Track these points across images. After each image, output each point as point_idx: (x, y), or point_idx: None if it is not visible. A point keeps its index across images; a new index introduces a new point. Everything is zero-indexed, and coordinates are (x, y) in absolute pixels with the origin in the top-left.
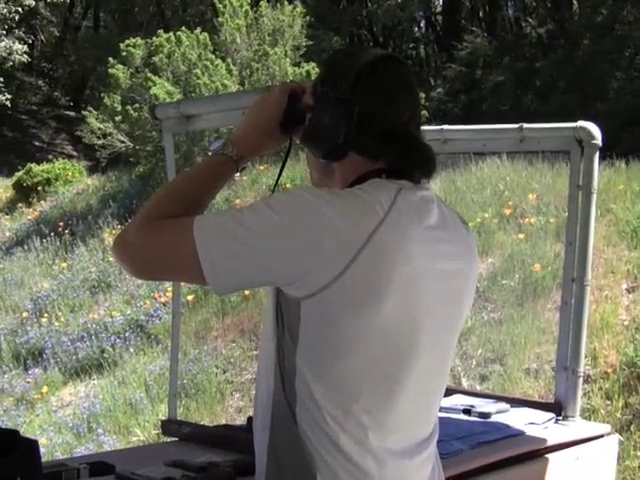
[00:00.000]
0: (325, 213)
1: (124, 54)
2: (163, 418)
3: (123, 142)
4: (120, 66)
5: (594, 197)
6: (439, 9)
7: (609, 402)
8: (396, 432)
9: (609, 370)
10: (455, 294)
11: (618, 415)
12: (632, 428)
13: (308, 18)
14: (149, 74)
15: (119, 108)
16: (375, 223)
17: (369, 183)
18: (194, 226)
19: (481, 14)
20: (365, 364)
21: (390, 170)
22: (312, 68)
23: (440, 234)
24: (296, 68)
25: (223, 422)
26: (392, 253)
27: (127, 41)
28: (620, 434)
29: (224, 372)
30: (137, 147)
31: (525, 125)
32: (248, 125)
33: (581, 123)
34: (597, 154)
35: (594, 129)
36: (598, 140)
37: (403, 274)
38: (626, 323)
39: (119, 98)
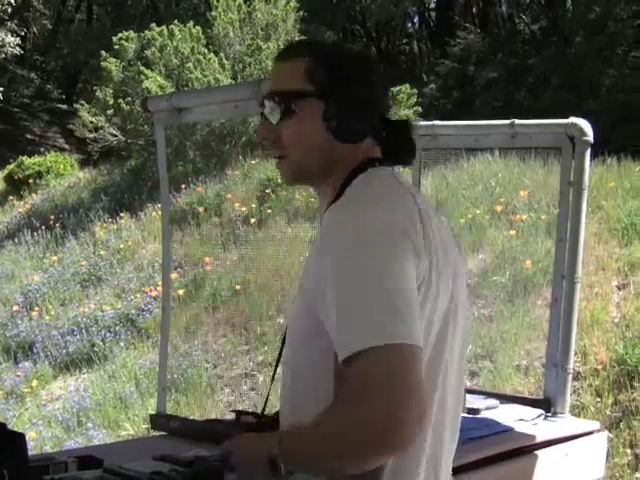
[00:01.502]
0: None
1: (117, 47)
2: (152, 412)
3: (115, 136)
4: (113, 59)
5: (585, 194)
6: (432, 5)
7: (599, 399)
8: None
9: (599, 367)
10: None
11: (607, 412)
12: (621, 425)
13: (301, 13)
14: (142, 67)
15: (111, 102)
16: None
17: (384, 184)
18: (395, 350)
19: (474, 10)
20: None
21: (382, 156)
22: None
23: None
24: None
25: (213, 417)
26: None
27: (120, 34)
28: (609, 431)
29: (214, 367)
30: (129, 141)
31: (517, 121)
32: None
33: (573, 120)
34: (588, 151)
35: (585, 126)
36: (589, 137)
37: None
38: (616, 320)
39: (111, 92)
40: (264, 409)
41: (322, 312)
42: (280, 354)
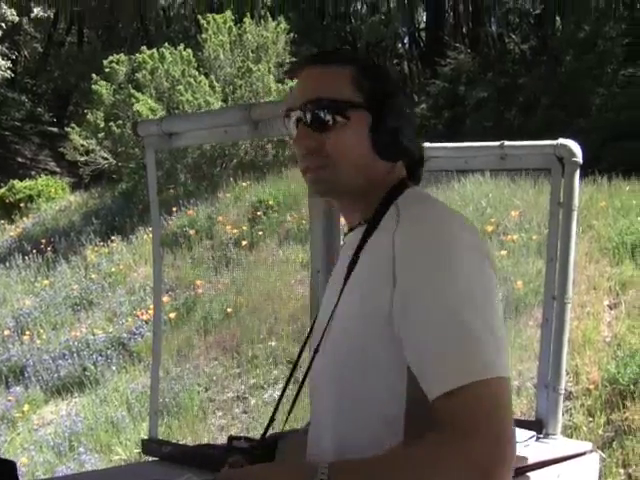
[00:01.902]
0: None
1: (107, 70)
2: (144, 437)
3: (106, 159)
4: (103, 82)
5: (575, 214)
6: (422, 25)
7: (591, 419)
8: None
9: (591, 387)
10: None
11: (600, 432)
12: (614, 445)
13: (292, 34)
14: (132, 90)
15: (102, 125)
16: None
17: (439, 204)
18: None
19: (464, 30)
20: None
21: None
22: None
23: None
24: (279, 85)
25: (205, 441)
26: None
27: (110, 57)
28: (602, 451)
29: (206, 390)
30: (120, 164)
31: (506, 143)
32: None
33: (562, 141)
34: (578, 172)
35: (574, 147)
36: (578, 158)
37: None
38: (608, 339)
39: (102, 115)
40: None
41: (404, 335)
42: (291, 374)
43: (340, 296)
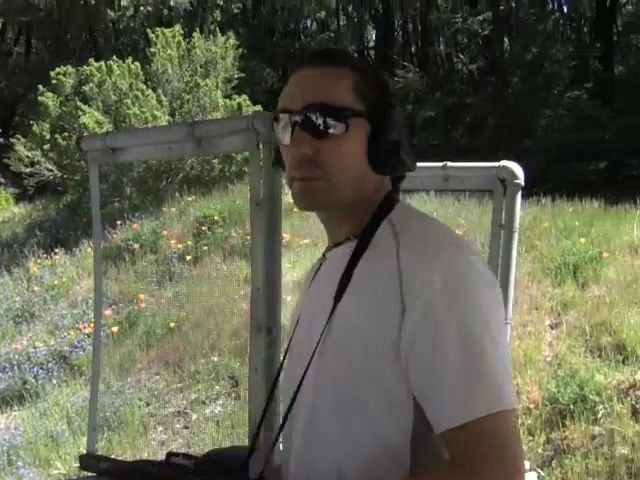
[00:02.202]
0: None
1: (54, 82)
2: (83, 452)
3: (51, 171)
4: (50, 94)
5: (516, 236)
6: (372, 44)
7: (531, 438)
8: None
9: (531, 406)
10: None
11: (540, 451)
12: (553, 464)
13: (241, 50)
14: (79, 103)
15: (48, 136)
16: None
17: (439, 225)
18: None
19: (413, 49)
20: None
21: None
22: (243, 100)
23: None
24: (227, 100)
25: (145, 456)
26: None
27: (58, 69)
28: (541, 470)
29: (147, 405)
30: (65, 176)
31: (449, 164)
32: None
33: (504, 163)
34: (519, 194)
35: (517, 169)
36: (520, 180)
37: None
38: (549, 359)
39: (48, 126)
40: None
41: (414, 364)
42: (292, 403)
43: (331, 317)
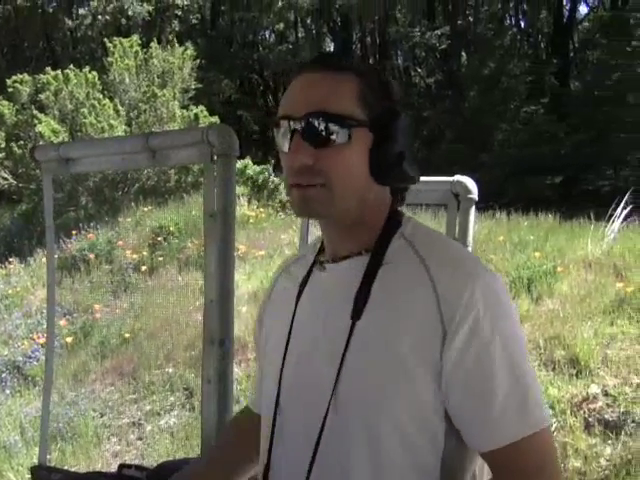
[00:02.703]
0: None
1: (10, 90)
2: (35, 464)
3: (6, 179)
4: (5, 102)
5: (470, 250)
6: None
7: None
8: None
9: None
10: None
11: None
12: None
13: (198, 61)
14: (35, 111)
15: (3, 145)
16: None
17: (455, 242)
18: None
19: (371, 62)
20: None
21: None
22: (201, 111)
23: None
24: (184, 110)
25: (98, 467)
26: None
27: (14, 77)
28: None
29: (101, 416)
30: (20, 185)
31: None
32: None
33: (458, 177)
34: (473, 208)
35: (470, 183)
36: (474, 195)
37: None
38: None
39: (3, 135)
40: None
41: (456, 386)
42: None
43: (351, 336)
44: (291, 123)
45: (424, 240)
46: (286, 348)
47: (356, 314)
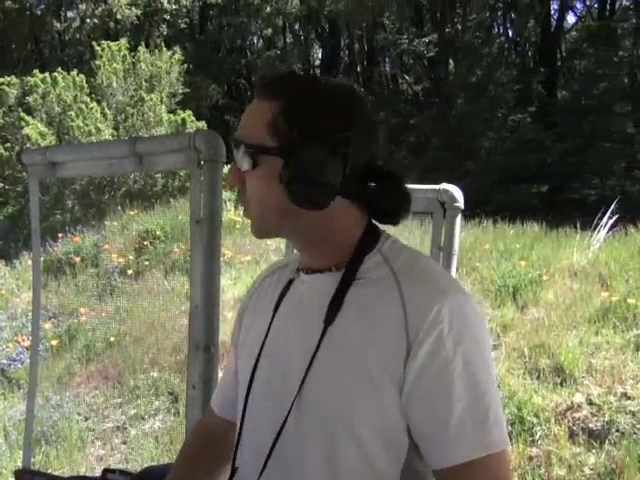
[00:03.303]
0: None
1: None
2: (18, 467)
3: None
4: None
5: (455, 258)
6: (318, 62)
7: None
8: None
9: None
10: None
11: None
12: None
13: (186, 65)
14: (22, 114)
15: None
16: None
17: (434, 264)
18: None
19: (359, 69)
20: None
21: (376, 218)
22: (188, 116)
23: None
24: (172, 115)
25: (83, 471)
26: None
27: (1, 79)
28: None
29: (86, 419)
30: (6, 187)
31: None
32: None
33: (444, 186)
34: (459, 217)
35: (456, 192)
36: (460, 203)
37: None
38: None
39: None
40: None
41: (416, 402)
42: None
43: (322, 340)
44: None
45: (400, 257)
46: (261, 348)
47: (328, 320)
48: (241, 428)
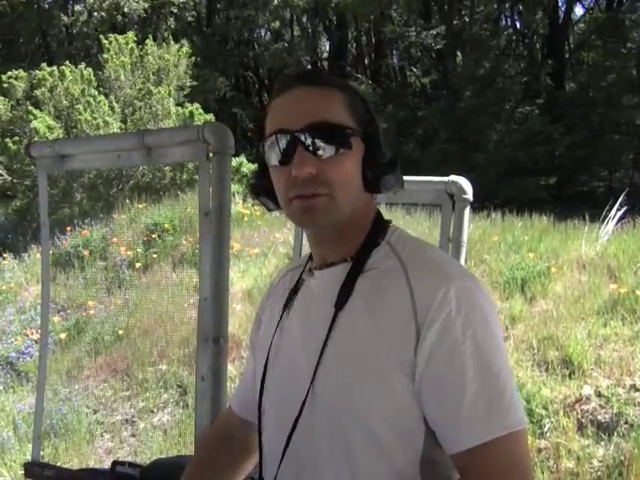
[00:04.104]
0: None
1: (6, 85)
2: (28, 460)
3: (1, 175)
4: (1, 98)
5: (464, 250)
6: (325, 55)
7: None
8: None
9: None
10: None
11: None
12: None
13: (194, 58)
14: (30, 107)
15: None
16: None
17: (441, 252)
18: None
19: (366, 62)
20: None
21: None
22: (196, 109)
23: None
24: (179, 108)
25: (92, 464)
26: None
27: (9, 73)
28: None
29: (95, 412)
30: (15, 181)
31: None
32: None
33: (453, 177)
34: (468, 208)
35: (465, 184)
36: (469, 195)
37: None
38: None
39: None
40: None
41: (429, 387)
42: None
43: (332, 326)
44: (289, 136)
45: (407, 247)
46: (270, 348)
47: (339, 304)
48: (259, 426)
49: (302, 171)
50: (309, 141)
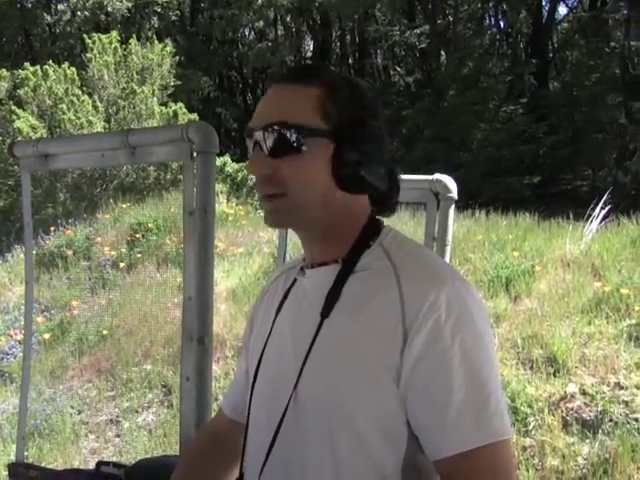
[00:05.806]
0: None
1: None
2: (12, 461)
3: None
4: None
5: (448, 249)
6: (309, 54)
7: None
8: None
9: None
10: None
11: None
12: None
13: (177, 58)
14: (13, 107)
15: None
16: None
17: (434, 255)
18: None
19: (351, 61)
20: None
21: (378, 207)
22: (179, 108)
23: None
24: (163, 107)
25: (76, 464)
26: None
27: None
28: None
29: (79, 412)
30: None
31: None
32: None
33: (437, 176)
34: (452, 207)
35: (450, 182)
36: (454, 193)
37: None
38: None
39: None
40: None
41: (413, 392)
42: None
43: (318, 332)
44: (253, 134)
45: (401, 250)
46: (263, 349)
47: (325, 312)
48: (247, 429)
49: (257, 170)
50: (264, 141)
